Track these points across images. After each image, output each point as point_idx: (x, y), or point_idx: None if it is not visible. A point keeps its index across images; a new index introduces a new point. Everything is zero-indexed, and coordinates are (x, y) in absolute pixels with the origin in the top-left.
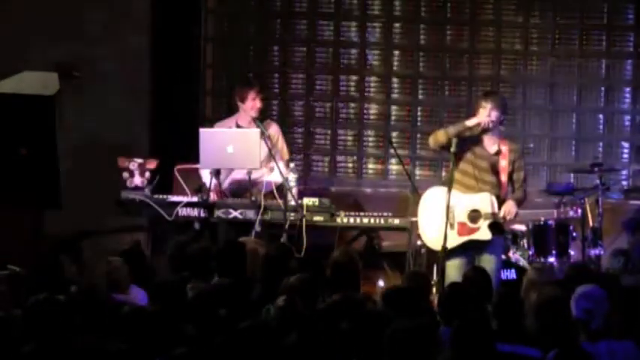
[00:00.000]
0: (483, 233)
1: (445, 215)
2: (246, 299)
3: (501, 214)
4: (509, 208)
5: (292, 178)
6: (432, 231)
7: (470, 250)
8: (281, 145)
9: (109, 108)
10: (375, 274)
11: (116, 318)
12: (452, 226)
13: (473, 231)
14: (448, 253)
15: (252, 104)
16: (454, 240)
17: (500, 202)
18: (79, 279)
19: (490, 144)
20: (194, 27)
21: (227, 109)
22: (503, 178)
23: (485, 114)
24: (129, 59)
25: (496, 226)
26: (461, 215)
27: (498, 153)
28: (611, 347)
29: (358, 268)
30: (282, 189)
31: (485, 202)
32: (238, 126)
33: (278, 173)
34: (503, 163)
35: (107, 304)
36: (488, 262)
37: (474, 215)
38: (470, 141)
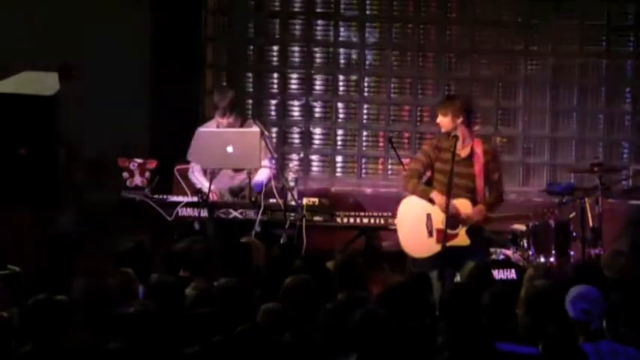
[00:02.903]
0: (461, 239)
1: (445, 219)
2: (249, 299)
3: (466, 215)
4: (475, 211)
5: (291, 178)
6: (411, 240)
7: (458, 257)
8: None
9: (109, 108)
10: (375, 274)
11: (117, 318)
12: (430, 233)
13: (451, 238)
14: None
15: (218, 120)
16: (433, 248)
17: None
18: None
19: (461, 147)
20: (194, 27)
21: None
22: (479, 181)
23: (447, 120)
24: (129, 59)
25: (475, 232)
26: (438, 222)
27: (471, 156)
28: (613, 347)
29: (361, 270)
30: (282, 188)
31: (461, 207)
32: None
33: (262, 172)
34: (477, 166)
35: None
36: None
37: (454, 222)
38: (440, 148)
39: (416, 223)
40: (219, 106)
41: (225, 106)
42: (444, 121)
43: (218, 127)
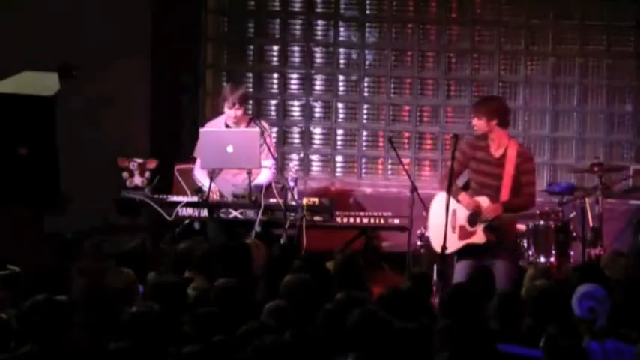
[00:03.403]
0: (478, 237)
1: (445, 217)
2: (249, 299)
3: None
4: (489, 207)
5: (291, 178)
6: (436, 234)
7: (480, 256)
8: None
9: (109, 108)
10: (375, 274)
11: (118, 318)
12: (454, 229)
13: (470, 235)
14: (459, 255)
15: (227, 112)
16: (455, 244)
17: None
18: (82, 280)
19: (496, 148)
20: (194, 27)
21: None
22: (504, 182)
23: (482, 123)
24: (129, 59)
25: (499, 231)
26: (461, 219)
27: (504, 157)
28: (617, 346)
29: (361, 270)
30: (282, 188)
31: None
32: (227, 126)
33: (265, 174)
34: (508, 168)
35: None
36: (500, 268)
37: (472, 219)
38: (475, 146)
39: (443, 219)
40: (229, 97)
41: (236, 98)
42: (479, 124)
43: (226, 121)
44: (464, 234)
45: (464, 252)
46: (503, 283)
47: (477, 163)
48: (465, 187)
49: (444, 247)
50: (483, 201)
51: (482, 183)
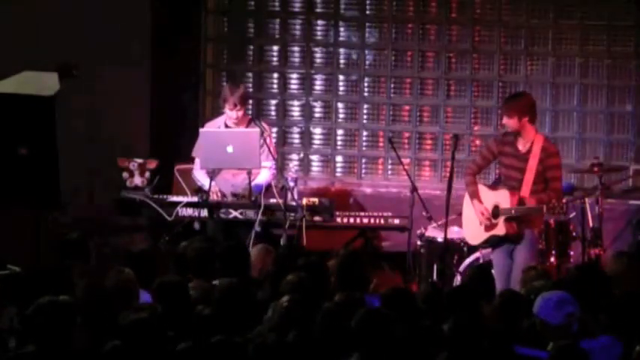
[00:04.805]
0: (499, 229)
1: (446, 213)
2: (250, 299)
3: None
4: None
5: (291, 178)
6: (468, 227)
7: (508, 242)
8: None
9: (109, 108)
10: (375, 274)
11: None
12: (481, 222)
13: (493, 227)
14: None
15: (229, 113)
16: (480, 235)
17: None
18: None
19: (523, 143)
20: (194, 27)
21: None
22: (526, 176)
23: (514, 122)
24: (129, 59)
25: (518, 223)
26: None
27: (529, 152)
28: (590, 345)
29: (363, 267)
30: (282, 188)
31: (502, 198)
32: (226, 126)
33: (264, 175)
34: (531, 163)
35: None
36: (518, 255)
37: (495, 211)
38: (504, 142)
39: (473, 212)
40: (229, 99)
41: (237, 99)
42: (510, 123)
43: (226, 121)
44: (489, 226)
45: (491, 243)
46: (518, 271)
47: (505, 156)
48: (497, 182)
49: (445, 239)
50: (502, 194)
51: (508, 176)
